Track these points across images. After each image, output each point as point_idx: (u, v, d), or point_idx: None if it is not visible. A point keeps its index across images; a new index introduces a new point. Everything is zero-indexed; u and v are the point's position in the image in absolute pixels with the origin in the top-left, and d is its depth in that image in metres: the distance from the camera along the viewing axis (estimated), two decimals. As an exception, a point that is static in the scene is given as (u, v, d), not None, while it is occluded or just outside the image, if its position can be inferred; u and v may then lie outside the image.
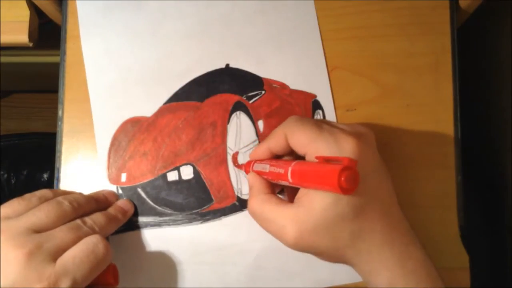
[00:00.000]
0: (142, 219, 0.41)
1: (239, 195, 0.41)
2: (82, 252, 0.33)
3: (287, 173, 0.33)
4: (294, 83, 0.43)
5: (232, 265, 0.41)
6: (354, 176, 0.28)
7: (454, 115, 0.43)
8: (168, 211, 0.41)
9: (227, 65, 0.43)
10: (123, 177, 0.41)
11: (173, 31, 0.43)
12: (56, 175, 0.42)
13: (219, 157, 0.41)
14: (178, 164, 0.41)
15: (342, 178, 0.28)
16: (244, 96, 0.43)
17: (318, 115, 0.43)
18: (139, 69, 0.43)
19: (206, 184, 0.41)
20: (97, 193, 0.41)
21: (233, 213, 0.41)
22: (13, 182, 0.61)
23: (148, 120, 0.42)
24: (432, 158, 0.43)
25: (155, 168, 0.41)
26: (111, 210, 0.39)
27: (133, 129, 0.42)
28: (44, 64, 0.69)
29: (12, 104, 0.93)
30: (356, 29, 0.44)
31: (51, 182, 0.59)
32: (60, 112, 0.43)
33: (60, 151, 0.42)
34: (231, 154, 0.42)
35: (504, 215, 0.51)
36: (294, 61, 0.43)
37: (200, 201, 0.41)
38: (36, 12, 0.46)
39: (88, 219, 0.36)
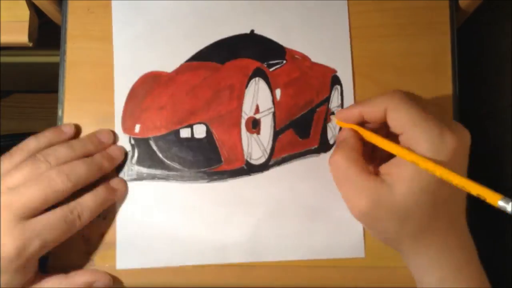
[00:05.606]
0: (150, 171, 0.42)
1: (248, 159, 0.42)
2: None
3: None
4: (316, 56, 0.44)
5: (233, 226, 0.41)
6: None
7: (454, 115, 0.43)
8: (177, 166, 0.42)
9: (252, 31, 0.44)
10: (137, 128, 0.42)
11: None
12: (56, 175, 0.42)
13: (233, 120, 0.42)
14: (192, 122, 0.42)
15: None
16: (265, 63, 0.43)
17: (336, 91, 0.43)
18: (166, 25, 0.43)
19: (217, 144, 0.42)
20: (89, 137, 0.41)
21: (240, 176, 0.42)
22: (13, 182, 0.60)
23: (168, 76, 0.43)
24: (432, 158, 0.43)
25: (169, 123, 0.42)
26: (97, 156, 0.39)
27: (152, 83, 0.43)
28: (44, 64, 0.69)
29: (12, 104, 0.93)
30: (356, 29, 0.44)
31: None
32: (60, 112, 0.43)
33: (60, 151, 0.42)
34: (245, 119, 0.42)
35: (504, 215, 0.51)
36: (318, 35, 0.44)
37: (209, 160, 0.42)
38: (36, 12, 0.46)
39: (76, 206, 0.37)
